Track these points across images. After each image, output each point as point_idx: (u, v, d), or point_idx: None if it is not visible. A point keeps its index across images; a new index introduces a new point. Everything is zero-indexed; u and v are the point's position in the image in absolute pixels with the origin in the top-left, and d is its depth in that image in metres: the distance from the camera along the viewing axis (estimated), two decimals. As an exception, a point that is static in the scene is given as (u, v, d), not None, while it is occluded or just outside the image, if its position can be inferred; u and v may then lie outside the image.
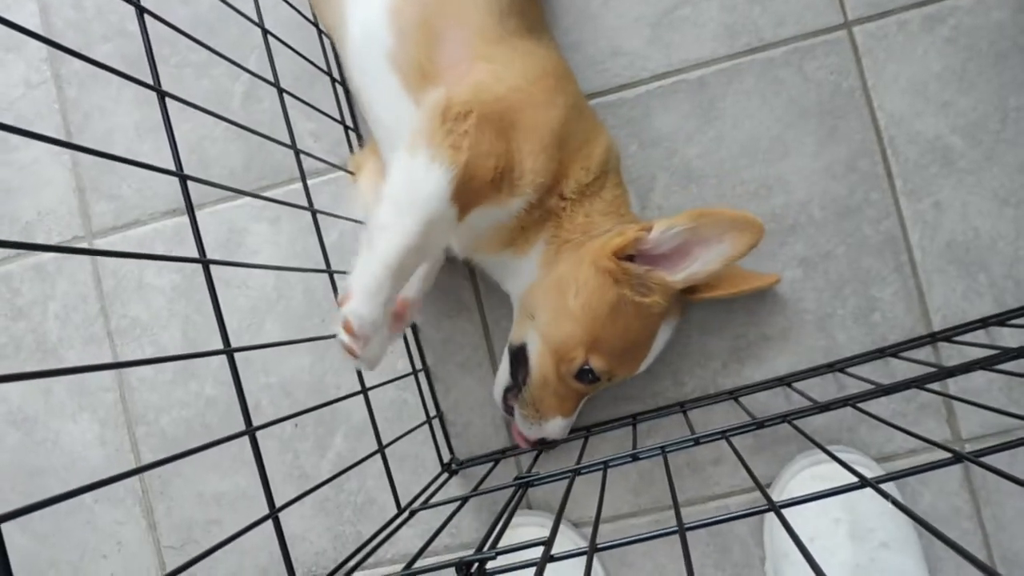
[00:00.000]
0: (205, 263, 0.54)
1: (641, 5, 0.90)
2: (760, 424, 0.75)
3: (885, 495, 0.51)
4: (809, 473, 0.84)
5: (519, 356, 0.79)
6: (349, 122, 0.90)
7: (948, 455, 0.49)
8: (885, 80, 0.87)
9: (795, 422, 0.73)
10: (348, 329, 0.62)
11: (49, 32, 0.95)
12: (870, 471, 0.84)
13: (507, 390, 0.81)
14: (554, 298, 0.75)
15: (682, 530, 0.49)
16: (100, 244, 0.94)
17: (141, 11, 0.52)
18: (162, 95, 0.53)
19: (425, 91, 0.71)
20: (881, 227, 0.87)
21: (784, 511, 0.50)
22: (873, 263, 0.87)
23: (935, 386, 0.85)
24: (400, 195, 0.65)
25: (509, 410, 0.82)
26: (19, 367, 0.97)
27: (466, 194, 0.66)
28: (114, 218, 0.94)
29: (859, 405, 0.72)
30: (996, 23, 0.86)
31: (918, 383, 0.71)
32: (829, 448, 0.85)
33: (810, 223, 0.88)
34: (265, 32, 0.70)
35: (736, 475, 0.89)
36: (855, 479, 0.51)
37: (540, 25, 0.82)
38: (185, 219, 0.93)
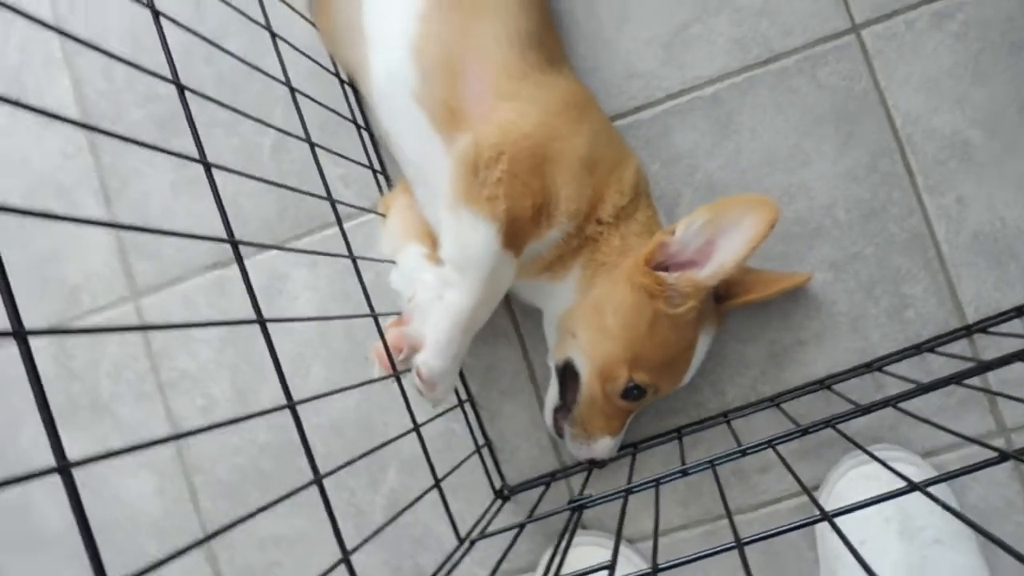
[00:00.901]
0: (262, 323, 0.56)
1: (653, 26, 0.92)
2: (804, 431, 0.76)
3: (933, 498, 0.52)
4: (856, 473, 0.85)
5: (567, 373, 0.80)
6: (376, 165, 0.92)
7: (994, 454, 0.51)
8: (897, 80, 0.89)
9: (838, 425, 0.74)
10: (420, 376, 0.67)
11: (83, 104, 0.98)
12: (917, 468, 0.85)
13: (556, 410, 0.83)
14: (593, 320, 0.77)
15: (740, 545, 0.51)
16: (145, 303, 0.97)
17: (181, 88, 0.55)
18: (208, 167, 0.56)
19: (453, 128, 0.74)
20: (906, 225, 0.88)
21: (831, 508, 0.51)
22: (902, 261, 0.88)
23: (974, 380, 0.86)
24: (456, 257, 0.71)
25: (559, 431, 0.83)
26: (76, 426, 1.00)
27: (515, 237, 0.70)
28: (157, 276, 0.97)
29: (900, 405, 0.73)
30: (1006, 15, 0.87)
31: (956, 379, 0.72)
32: (873, 447, 0.86)
33: (835, 226, 0.89)
34: (292, 90, 0.73)
35: (783, 480, 0.90)
36: (886, 493, 0.52)
37: (559, 55, 0.84)
38: (226, 271, 0.97)
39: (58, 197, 0.99)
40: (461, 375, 0.93)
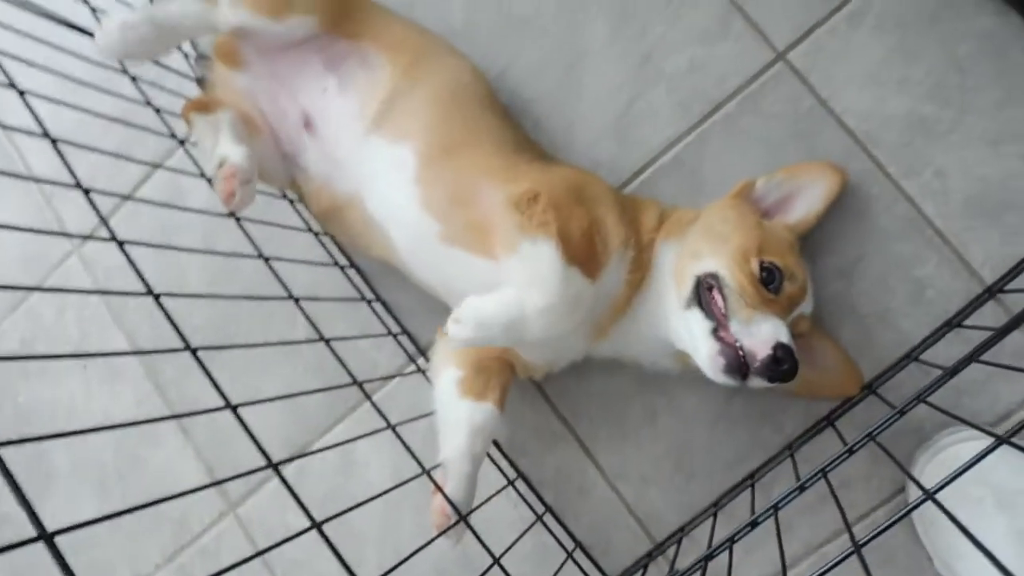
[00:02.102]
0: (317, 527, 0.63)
1: (598, 119, 0.99)
2: (871, 435, 0.77)
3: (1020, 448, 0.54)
4: (934, 465, 0.85)
5: (702, 285, 0.79)
6: (396, 329, 1.01)
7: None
8: (838, 86, 0.92)
9: (914, 409, 0.76)
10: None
11: (131, 339, 1.10)
12: (987, 441, 0.85)
13: (713, 331, 0.77)
14: (708, 235, 0.83)
15: (858, 548, 0.53)
16: (242, 512, 1.06)
17: (195, 355, 0.63)
18: (233, 408, 0.63)
19: (486, 242, 0.80)
20: (895, 213, 0.90)
21: (926, 508, 0.53)
22: (904, 247, 0.90)
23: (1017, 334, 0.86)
24: (528, 279, 0.75)
25: (724, 344, 0.76)
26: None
27: (576, 255, 0.75)
28: (244, 483, 1.06)
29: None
30: (912, -5, 0.90)
31: (975, 355, 0.74)
32: (942, 434, 0.86)
33: (829, 237, 0.92)
34: (296, 300, 0.82)
35: (870, 490, 0.90)
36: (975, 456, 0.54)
37: (544, 153, 0.94)
38: (303, 461, 1.05)
39: (142, 441, 1.10)
40: (532, 488, 0.98)
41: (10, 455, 0.48)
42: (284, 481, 0.61)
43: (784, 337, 0.75)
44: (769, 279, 0.78)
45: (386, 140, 0.86)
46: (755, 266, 0.78)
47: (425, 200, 0.83)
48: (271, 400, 0.67)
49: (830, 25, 0.93)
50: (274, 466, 0.60)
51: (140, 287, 0.63)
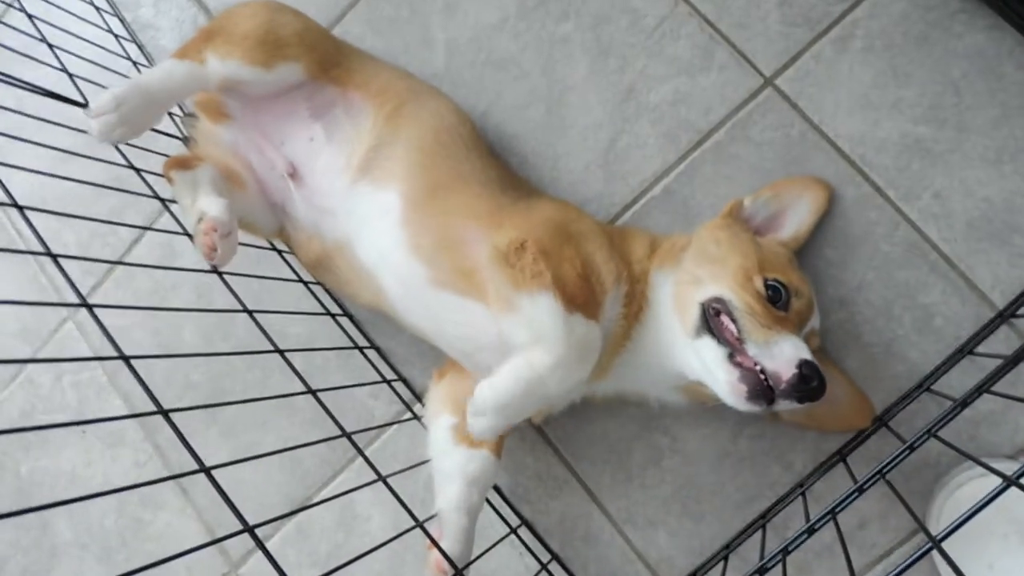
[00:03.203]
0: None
1: (585, 154, 0.97)
2: (881, 472, 0.74)
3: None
4: (952, 502, 0.82)
5: (709, 312, 0.76)
6: (391, 376, 0.99)
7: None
8: (828, 111, 0.90)
9: (931, 441, 0.73)
10: None
11: (132, 408, 1.09)
12: (1010, 470, 0.81)
13: (729, 357, 0.74)
14: (705, 260, 0.80)
15: None
16: (244, 571, 1.04)
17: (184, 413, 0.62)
18: (207, 469, 0.62)
19: (475, 285, 0.78)
20: (896, 239, 0.87)
21: (949, 547, 0.50)
22: (907, 274, 0.87)
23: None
24: (532, 336, 0.72)
25: (744, 370, 0.72)
26: None
27: (574, 300, 0.72)
28: (244, 543, 1.04)
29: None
30: (900, 14, 0.88)
31: (986, 386, 0.70)
32: (959, 468, 0.83)
33: (829, 265, 0.89)
34: (282, 353, 0.81)
35: (887, 530, 0.86)
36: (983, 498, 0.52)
37: (531, 189, 0.93)
38: (304, 515, 1.03)
39: (143, 505, 1.09)
40: (537, 537, 0.95)
41: (14, 526, 0.47)
42: (262, 545, 0.60)
43: (806, 353, 0.72)
44: (776, 297, 0.76)
45: (372, 186, 0.85)
46: (759, 284, 0.76)
47: (413, 244, 0.82)
48: (248, 460, 0.66)
49: (817, 48, 0.90)
50: (250, 529, 0.59)
51: (135, 348, 0.62)
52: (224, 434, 1.07)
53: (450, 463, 0.84)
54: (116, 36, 1.08)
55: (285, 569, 1.05)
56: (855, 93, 0.89)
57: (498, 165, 0.91)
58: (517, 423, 0.75)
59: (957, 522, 0.52)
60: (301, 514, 1.03)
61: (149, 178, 0.86)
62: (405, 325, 0.90)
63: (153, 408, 0.62)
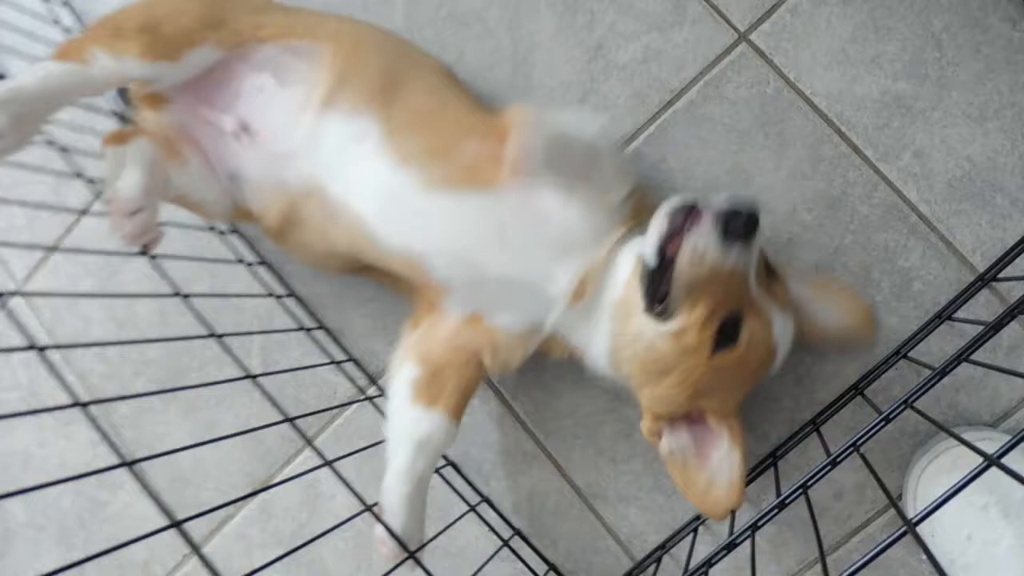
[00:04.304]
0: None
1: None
2: (855, 445, 0.71)
3: (1008, 471, 0.48)
4: (933, 469, 0.79)
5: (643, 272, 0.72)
6: (343, 356, 0.97)
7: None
8: (805, 67, 0.86)
9: (909, 412, 0.70)
10: None
11: (92, 392, 1.05)
12: (992, 442, 0.78)
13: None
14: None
15: None
16: (208, 550, 1.01)
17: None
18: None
19: (480, 177, 0.76)
20: (875, 200, 0.84)
21: (927, 521, 0.48)
22: (886, 236, 0.83)
23: (1014, 324, 0.79)
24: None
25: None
26: None
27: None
28: (207, 523, 1.01)
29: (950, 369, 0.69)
30: (879, -37, 0.83)
31: (965, 354, 0.67)
32: (938, 437, 0.80)
33: (806, 229, 0.85)
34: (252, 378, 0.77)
35: (864, 501, 0.84)
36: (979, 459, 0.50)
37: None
38: (267, 495, 1.00)
39: (101, 486, 1.05)
40: (498, 513, 0.92)
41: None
42: (197, 551, 0.56)
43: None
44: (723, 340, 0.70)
45: (342, 116, 0.79)
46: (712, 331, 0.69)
47: (399, 157, 0.77)
48: (174, 451, 0.63)
49: (792, 3, 0.86)
50: (177, 524, 0.56)
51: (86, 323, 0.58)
52: (184, 412, 1.03)
53: (400, 423, 0.79)
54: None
55: (250, 548, 1.02)
56: (833, 48, 0.85)
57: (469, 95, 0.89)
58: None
59: (932, 506, 0.49)
60: (264, 496, 1.00)
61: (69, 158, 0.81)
62: (384, 257, 0.83)
63: (100, 396, 0.58)
